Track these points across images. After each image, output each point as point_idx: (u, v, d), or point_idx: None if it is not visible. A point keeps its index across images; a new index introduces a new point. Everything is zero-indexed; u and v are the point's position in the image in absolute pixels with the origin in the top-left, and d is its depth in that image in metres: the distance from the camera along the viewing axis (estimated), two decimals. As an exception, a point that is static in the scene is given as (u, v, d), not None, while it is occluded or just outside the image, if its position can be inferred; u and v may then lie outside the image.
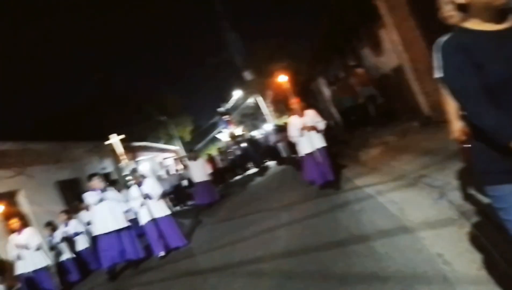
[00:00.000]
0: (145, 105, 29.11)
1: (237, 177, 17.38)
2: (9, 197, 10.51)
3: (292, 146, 12.26)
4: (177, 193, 16.18)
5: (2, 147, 10.20)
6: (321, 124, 6.49)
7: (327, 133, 6.71)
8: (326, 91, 15.74)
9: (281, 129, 15.81)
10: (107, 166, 17.00)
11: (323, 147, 6.45)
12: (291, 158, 12.88)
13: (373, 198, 4.79)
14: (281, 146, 13.84)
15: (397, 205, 4.07)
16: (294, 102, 6.60)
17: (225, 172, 17.81)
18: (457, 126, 2.44)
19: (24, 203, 10.94)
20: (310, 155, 6.45)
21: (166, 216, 6.66)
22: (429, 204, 3.71)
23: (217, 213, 9.03)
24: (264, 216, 6.45)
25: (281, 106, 28.26)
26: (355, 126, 10.71)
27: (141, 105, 28.67)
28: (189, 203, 14.98)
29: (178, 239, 6.62)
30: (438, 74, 2.17)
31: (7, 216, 9.61)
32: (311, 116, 6.53)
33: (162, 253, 6.44)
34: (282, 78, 6.81)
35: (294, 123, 6.57)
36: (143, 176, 7.21)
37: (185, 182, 17.12)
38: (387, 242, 3.27)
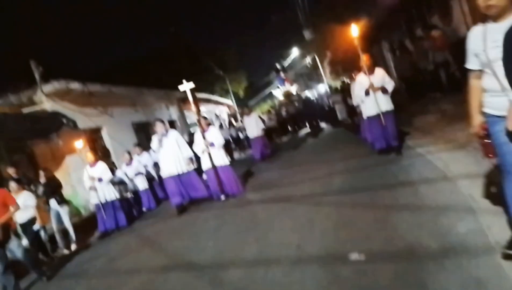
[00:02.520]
0: (206, 58, 30.21)
1: (285, 138, 17.12)
2: (95, 132, 12.26)
3: (350, 109, 12.45)
4: (230, 144, 16.49)
5: (92, 88, 11.71)
6: (390, 85, 6.06)
7: (392, 96, 6.27)
8: (388, 56, 15.71)
9: (340, 91, 16.04)
10: (172, 113, 18.51)
11: (390, 110, 6.07)
12: (348, 121, 13.04)
13: (422, 156, 5.39)
14: (338, 108, 13.99)
15: (443, 162, 4.70)
16: (364, 59, 5.98)
17: (273, 132, 17.56)
18: (477, 121, 2.41)
19: (106, 138, 12.65)
20: (374, 117, 6.11)
21: (226, 165, 6.94)
22: (472, 163, 4.30)
23: (274, 163, 9.90)
24: (320, 166, 7.26)
25: (338, 68, 28.10)
26: (419, 93, 10.56)
27: (201, 58, 29.77)
28: (242, 154, 15.66)
29: (235, 187, 6.93)
30: (470, 64, 2.39)
31: (92, 149, 11.32)
32: (380, 76, 6.07)
33: (222, 198, 6.82)
34: (354, 31, 5.86)
35: (361, 81, 6.16)
36: (209, 124, 7.46)
37: (238, 134, 18.02)
38: (429, 186, 4.00)
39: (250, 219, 5.03)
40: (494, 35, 2.11)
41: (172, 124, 18.09)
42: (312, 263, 3.06)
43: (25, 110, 9.88)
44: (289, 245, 3.58)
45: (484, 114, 2.35)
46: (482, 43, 2.18)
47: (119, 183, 8.81)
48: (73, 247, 7.29)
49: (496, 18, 2.11)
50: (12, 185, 6.53)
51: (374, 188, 4.59)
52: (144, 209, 9.20)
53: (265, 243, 3.88)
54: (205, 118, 7.65)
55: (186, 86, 7.39)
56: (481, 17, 2.20)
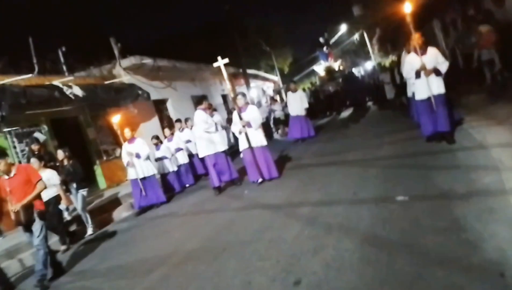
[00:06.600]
0: (254, 34, 30.90)
1: (326, 119, 16.05)
2: (162, 103, 13.71)
3: (398, 89, 12.61)
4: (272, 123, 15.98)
5: (161, 63, 13.06)
6: (444, 65, 5.48)
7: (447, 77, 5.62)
8: (440, 36, 15.74)
9: (389, 69, 16.18)
10: (225, 88, 19.69)
11: (443, 93, 5.49)
12: (397, 101, 13.18)
13: (465, 129, 6.05)
14: (386, 87, 14.12)
15: (482, 134, 5.38)
16: (416, 37, 5.50)
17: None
18: None
19: (170, 109, 14.09)
20: (425, 101, 5.61)
21: (263, 146, 6.62)
22: (507, 135, 5.01)
23: (319, 139, 10.49)
24: (368, 139, 8.09)
25: (387, 45, 27.84)
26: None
27: (250, 34, 30.47)
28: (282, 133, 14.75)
29: (272, 171, 6.62)
30: None
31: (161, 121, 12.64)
32: (433, 55, 5.53)
33: (259, 180, 6.59)
34: (407, 7, 5.45)
35: (412, 61, 5.64)
36: (247, 103, 7.09)
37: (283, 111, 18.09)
38: (466, 152, 4.80)
39: (309, 176, 6.08)
40: None
41: (224, 98, 19.35)
42: (366, 203, 4.04)
43: (106, 82, 11.39)
44: (346, 192, 4.58)
45: None
46: None
47: (161, 159, 8.95)
48: (89, 231, 6.97)
49: None
50: (33, 161, 6.30)
51: (418, 155, 5.44)
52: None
53: (325, 191, 4.91)
54: (243, 95, 7.13)
55: (220, 62, 7.29)
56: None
